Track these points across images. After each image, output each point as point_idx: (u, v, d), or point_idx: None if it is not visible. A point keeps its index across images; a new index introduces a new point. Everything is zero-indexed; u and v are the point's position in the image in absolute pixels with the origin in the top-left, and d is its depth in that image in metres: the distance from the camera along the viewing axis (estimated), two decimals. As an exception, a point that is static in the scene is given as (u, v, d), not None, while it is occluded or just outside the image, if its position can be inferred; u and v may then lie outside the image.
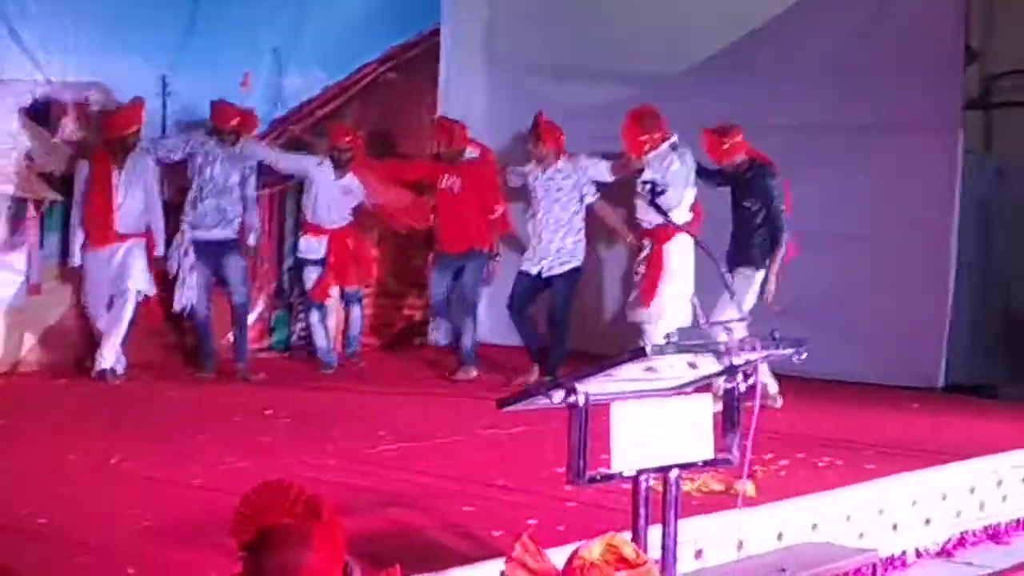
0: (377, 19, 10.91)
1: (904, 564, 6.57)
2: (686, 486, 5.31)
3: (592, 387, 4.25)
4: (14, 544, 4.75)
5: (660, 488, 4.59)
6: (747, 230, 8.83)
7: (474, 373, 10.01)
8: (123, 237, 9.17)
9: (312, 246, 10.06)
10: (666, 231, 8.73)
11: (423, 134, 11.17)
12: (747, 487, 5.58)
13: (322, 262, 10.00)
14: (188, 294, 9.53)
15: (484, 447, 7.27)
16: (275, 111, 10.33)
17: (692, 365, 4.57)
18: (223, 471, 6.29)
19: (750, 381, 4.52)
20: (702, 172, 9.12)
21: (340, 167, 9.97)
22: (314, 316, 10.13)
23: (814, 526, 6.13)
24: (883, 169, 9.98)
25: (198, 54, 9.74)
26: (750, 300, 8.53)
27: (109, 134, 9.15)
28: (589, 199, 9.79)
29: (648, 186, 8.10)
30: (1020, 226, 10.97)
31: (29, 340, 9.23)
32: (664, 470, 4.52)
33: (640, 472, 4.41)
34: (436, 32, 11.35)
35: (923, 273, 9.94)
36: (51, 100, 9.18)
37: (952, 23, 9.94)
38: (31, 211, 9.16)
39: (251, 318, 10.17)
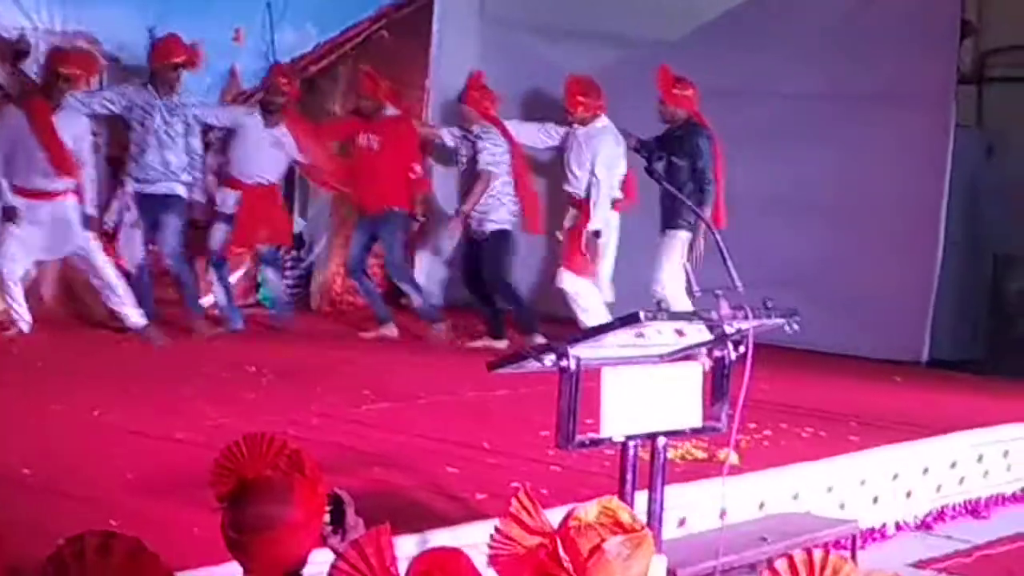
0: (371, -24, 10.84)
1: (884, 536, 6.62)
2: (669, 454, 5.30)
3: (583, 352, 4.24)
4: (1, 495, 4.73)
5: (645, 455, 4.60)
6: (676, 189, 8.95)
7: (442, 330, 9.77)
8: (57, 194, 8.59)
9: (227, 200, 9.51)
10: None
11: (414, 95, 11.10)
12: (731, 456, 5.58)
13: (231, 218, 9.51)
14: (136, 252, 9.08)
15: (469, 409, 7.26)
16: (266, 67, 10.23)
17: (680, 333, 4.56)
18: (207, 426, 6.27)
19: (741, 350, 4.51)
20: (642, 145, 9.25)
21: (271, 113, 9.43)
22: (212, 274, 9.62)
23: (795, 496, 6.17)
24: (875, 142, 9.96)
25: (188, 6, 9.64)
26: (677, 262, 8.74)
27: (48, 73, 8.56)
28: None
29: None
30: (1008, 203, 10.98)
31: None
32: (652, 437, 4.52)
33: (629, 438, 4.41)
34: (430, -9, 11.27)
35: (910, 247, 9.95)
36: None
37: (949, -4, 9.94)
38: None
39: (236, 275, 10.10)
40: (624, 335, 4.32)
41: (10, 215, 8.48)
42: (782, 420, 7.30)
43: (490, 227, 9.58)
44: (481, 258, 9.67)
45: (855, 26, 10.04)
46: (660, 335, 4.51)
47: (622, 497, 4.31)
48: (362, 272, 9.89)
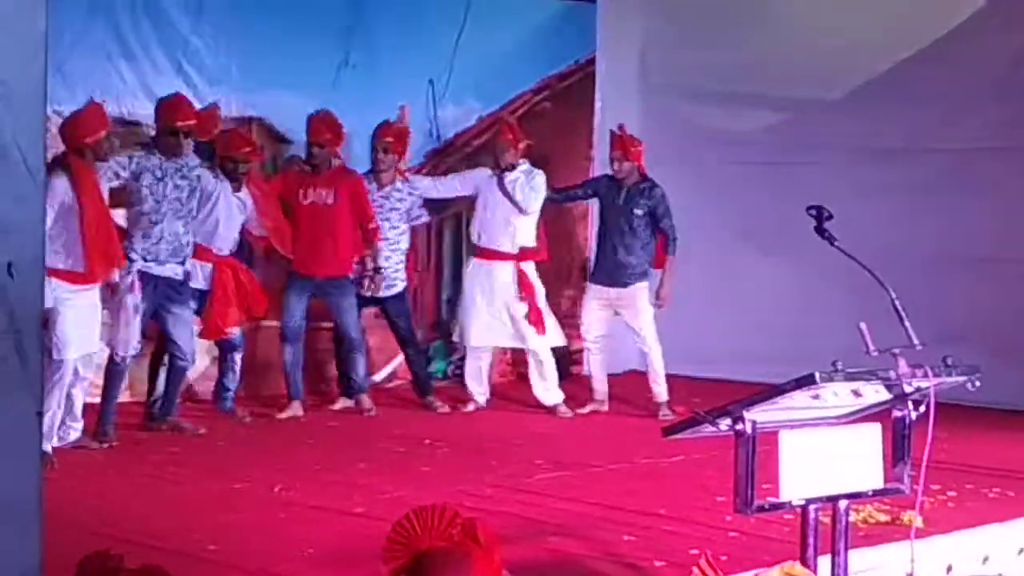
0: (531, 49, 10.94)
1: (1079, 599, 6.36)
2: (851, 517, 5.20)
3: (758, 415, 4.20)
4: (187, 570, 4.83)
5: (825, 518, 4.52)
6: (637, 242, 9.24)
7: (368, 406, 9.06)
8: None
9: (196, 273, 8.35)
10: (524, 254, 9.22)
11: (579, 164, 11.18)
12: (916, 518, 5.45)
13: (203, 294, 8.40)
14: (134, 341, 7.85)
15: (643, 476, 7.22)
16: (430, 143, 10.41)
17: (856, 394, 4.49)
18: (384, 499, 6.35)
19: (921, 409, 4.42)
20: (561, 190, 9.65)
21: (235, 180, 8.50)
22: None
23: (985, 559, 5.98)
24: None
25: (353, 87, 9.86)
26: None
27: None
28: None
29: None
30: None
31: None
32: (833, 500, 4.44)
33: (809, 502, 4.34)
34: (591, 62, 11.35)
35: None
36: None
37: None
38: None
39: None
40: (800, 397, 4.27)
41: None
42: (966, 480, 7.10)
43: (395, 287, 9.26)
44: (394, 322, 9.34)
45: (1019, 75, 9.84)
46: (836, 396, 4.44)
47: (804, 562, 4.24)
48: (301, 335, 8.99)
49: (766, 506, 4.29)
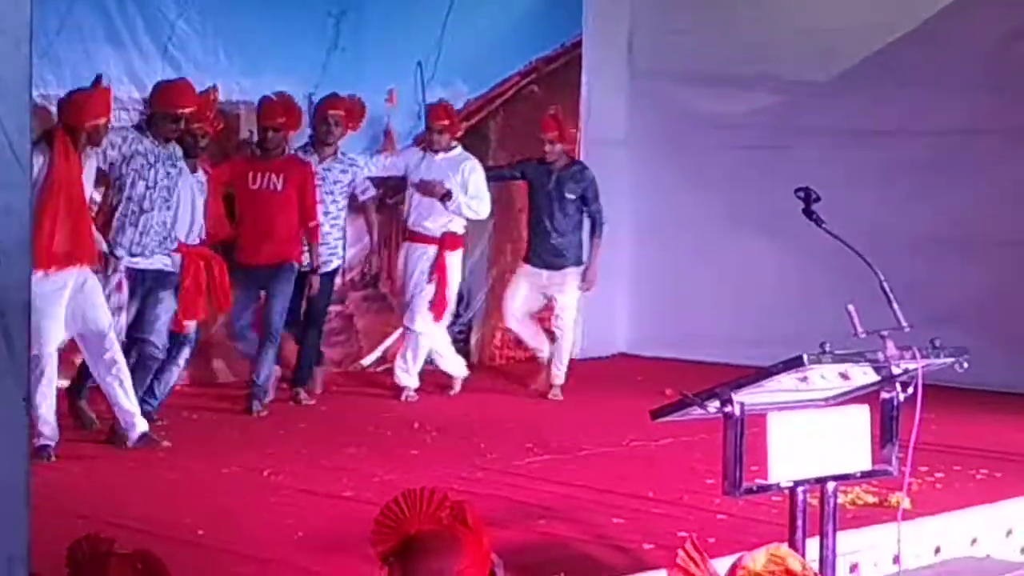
0: (519, 32, 10.92)
1: (1067, 580, 6.39)
2: (839, 499, 5.21)
3: (746, 397, 4.21)
4: (178, 554, 4.83)
5: (813, 500, 4.54)
6: (570, 224, 9.24)
7: (260, 409, 8.34)
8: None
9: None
10: (453, 240, 9.09)
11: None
12: (903, 500, 5.47)
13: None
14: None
15: (632, 459, 7.23)
16: (418, 125, 10.38)
17: (844, 376, 4.50)
18: (374, 483, 6.36)
19: (909, 391, 4.43)
20: (494, 170, 9.57)
21: (193, 156, 7.91)
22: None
23: (973, 540, 6.00)
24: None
25: (342, 71, 9.83)
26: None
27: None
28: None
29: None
30: None
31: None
32: (821, 482, 4.46)
33: (797, 484, 4.36)
34: (578, 44, 11.32)
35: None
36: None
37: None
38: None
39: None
40: (787, 379, 4.28)
41: None
42: (954, 462, 7.12)
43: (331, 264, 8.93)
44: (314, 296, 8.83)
45: (1013, 57, 9.83)
46: (824, 379, 4.45)
47: (792, 544, 4.25)
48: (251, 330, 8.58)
49: (754, 488, 4.31)
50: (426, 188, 9.01)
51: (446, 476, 6.47)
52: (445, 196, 8.96)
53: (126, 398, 7.11)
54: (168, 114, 7.59)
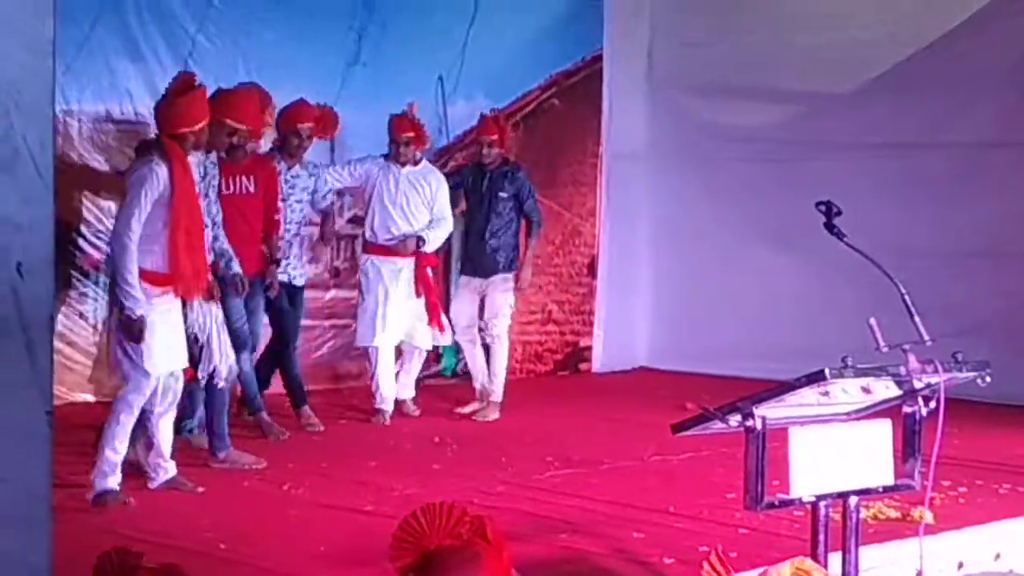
0: (540, 46, 10.95)
1: (1092, 595, 6.35)
2: (861, 513, 5.19)
3: (768, 411, 4.20)
4: (200, 569, 4.84)
5: (835, 515, 4.52)
6: (505, 226, 9.06)
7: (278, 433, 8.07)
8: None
9: None
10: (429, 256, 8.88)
11: (587, 161, 11.20)
12: (926, 514, 5.45)
13: None
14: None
15: (653, 473, 7.21)
16: (440, 139, 10.41)
17: (866, 390, 4.49)
18: (394, 497, 6.35)
19: (931, 405, 4.41)
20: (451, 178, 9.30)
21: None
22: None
23: (996, 555, 5.97)
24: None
25: (362, 85, 9.86)
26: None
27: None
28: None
29: None
30: None
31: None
32: (843, 496, 4.44)
33: (819, 498, 4.34)
34: (598, 58, 11.35)
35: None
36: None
37: None
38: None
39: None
40: (809, 393, 4.27)
41: None
42: (977, 476, 7.09)
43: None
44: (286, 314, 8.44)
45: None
46: (846, 393, 4.44)
47: (814, 559, 4.23)
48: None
49: (776, 503, 4.28)
50: (400, 248, 8.75)
51: (466, 490, 6.46)
52: (419, 244, 8.76)
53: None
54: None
